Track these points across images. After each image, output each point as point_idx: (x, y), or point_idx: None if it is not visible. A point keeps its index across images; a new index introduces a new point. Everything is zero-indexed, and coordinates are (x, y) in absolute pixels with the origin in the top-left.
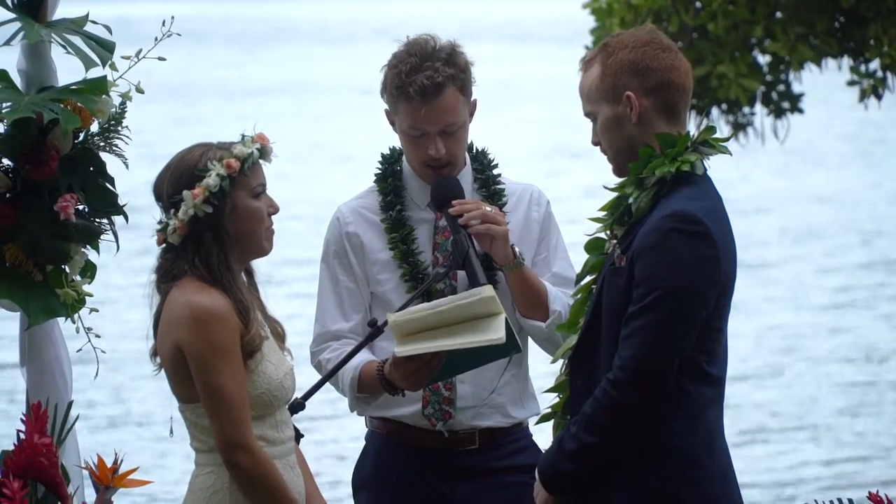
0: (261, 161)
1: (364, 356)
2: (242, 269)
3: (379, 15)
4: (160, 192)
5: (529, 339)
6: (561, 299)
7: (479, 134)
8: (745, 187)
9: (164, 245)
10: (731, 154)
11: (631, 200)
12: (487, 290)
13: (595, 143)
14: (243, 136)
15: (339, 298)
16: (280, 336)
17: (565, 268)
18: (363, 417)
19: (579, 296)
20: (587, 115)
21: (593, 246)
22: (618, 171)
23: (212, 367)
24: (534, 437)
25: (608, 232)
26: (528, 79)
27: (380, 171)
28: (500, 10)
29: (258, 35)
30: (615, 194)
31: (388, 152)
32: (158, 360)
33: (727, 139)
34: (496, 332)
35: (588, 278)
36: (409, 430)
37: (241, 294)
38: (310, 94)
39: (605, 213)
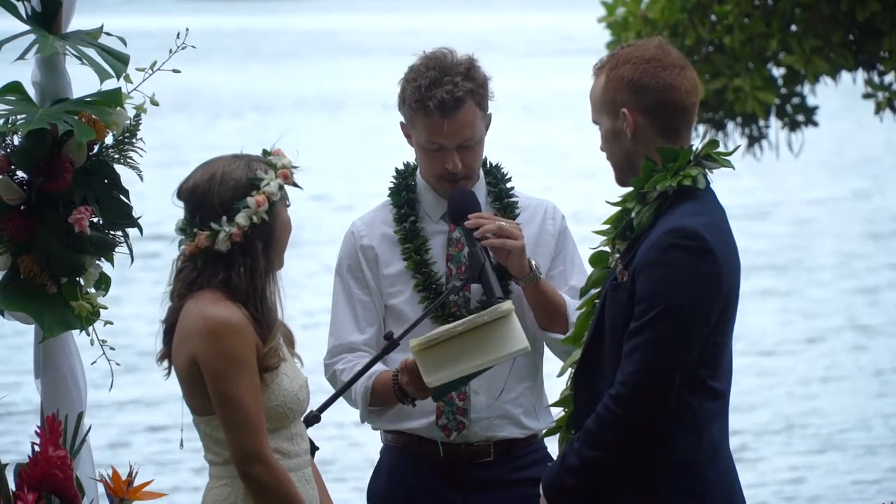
0: None
1: (377, 367)
2: None
3: (418, 29)
4: (206, 200)
5: (546, 350)
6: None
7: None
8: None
9: (194, 253)
10: (733, 168)
11: (633, 215)
12: (506, 305)
13: (603, 150)
14: (265, 151)
15: (353, 311)
16: (290, 341)
17: (582, 280)
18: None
19: (584, 309)
20: (594, 122)
21: (597, 259)
22: (619, 181)
23: (228, 378)
24: (549, 450)
25: (611, 245)
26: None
27: (393, 185)
28: (541, 23)
29: (290, 48)
30: (618, 208)
31: (402, 167)
32: (165, 363)
33: (730, 153)
34: (518, 343)
35: (592, 292)
36: (423, 443)
37: (270, 305)
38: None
39: (608, 226)
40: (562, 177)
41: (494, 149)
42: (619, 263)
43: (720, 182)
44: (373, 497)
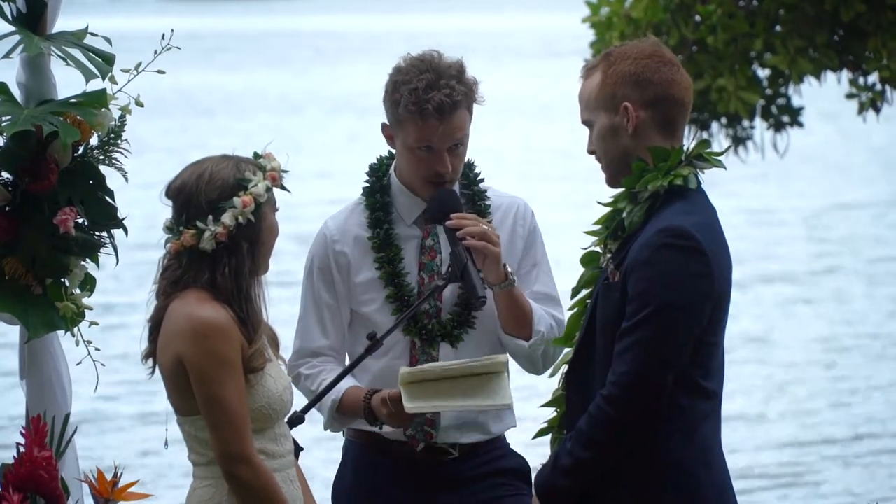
0: None
1: (347, 380)
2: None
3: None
4: (193, 199)
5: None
6: (546, 320)
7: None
8: None
9: (179, 252)
10: (725, 167)
11: (624, 215)
12: (501, 357)
13: (590, 152)
14: (255, 153)
15: (319, 315)
16: (275, 343)
17: (548, 284)
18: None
19: (575, 310)
20: (584, 122)
21: (589, 259)
22: (610, 182)
23: (213, 379)
24: (512, 447)
25: (603, 245)
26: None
27: (367, 186)
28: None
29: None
30: (609, 209)
31: (376, 163)
32: (150, 362)
33: (722, 153)
34: (504, 398)
35: (584, 292)
36: (387, 443)
37: (256, 307)
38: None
39: (599, 226)
40: (579, 179)
41: (514, 151)
42: (610, 263)
43: (735, 186)
44: (338, 495)
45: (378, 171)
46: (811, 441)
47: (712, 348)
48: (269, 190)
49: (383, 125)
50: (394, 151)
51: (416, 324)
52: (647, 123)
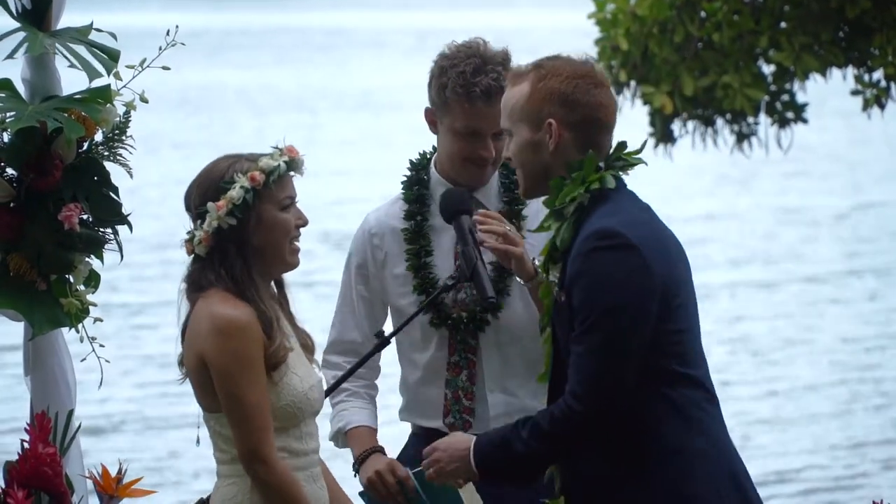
0: (291, 173)
1: (366, 417)
2: (268, 281)
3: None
4: (188, 202)
5: None
6: None
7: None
8: None
9: (192, 255)
10: (645, 163)
11: (553, 234)
12: None
13: (507, 160)
14: (276, 148)
15: (354, 308)
16: (309, 348)
17: None
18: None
19: (547, 345)
20: (504, 130)
21: (546, 293)
22: (525, 194)
23: (234, 378)
24: None
25: (546, 272)
26: None
27: (406, 179)
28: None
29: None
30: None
31: (418, 158)
32: (185, 368)
33: (639, 150)
34: None
35: (549, 328)
36: (442, 435)
37: (265, 306)
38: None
39: (544, 256)
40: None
41: None
42: (555, 286)
43: (763, 184)
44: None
45: (418, 166)
46: (849, 444)
47: (680, 335)
48: (248, 191)
49: (426, 110)
50: (434, 144)
51: (442, 314)
52: (569, 143)
